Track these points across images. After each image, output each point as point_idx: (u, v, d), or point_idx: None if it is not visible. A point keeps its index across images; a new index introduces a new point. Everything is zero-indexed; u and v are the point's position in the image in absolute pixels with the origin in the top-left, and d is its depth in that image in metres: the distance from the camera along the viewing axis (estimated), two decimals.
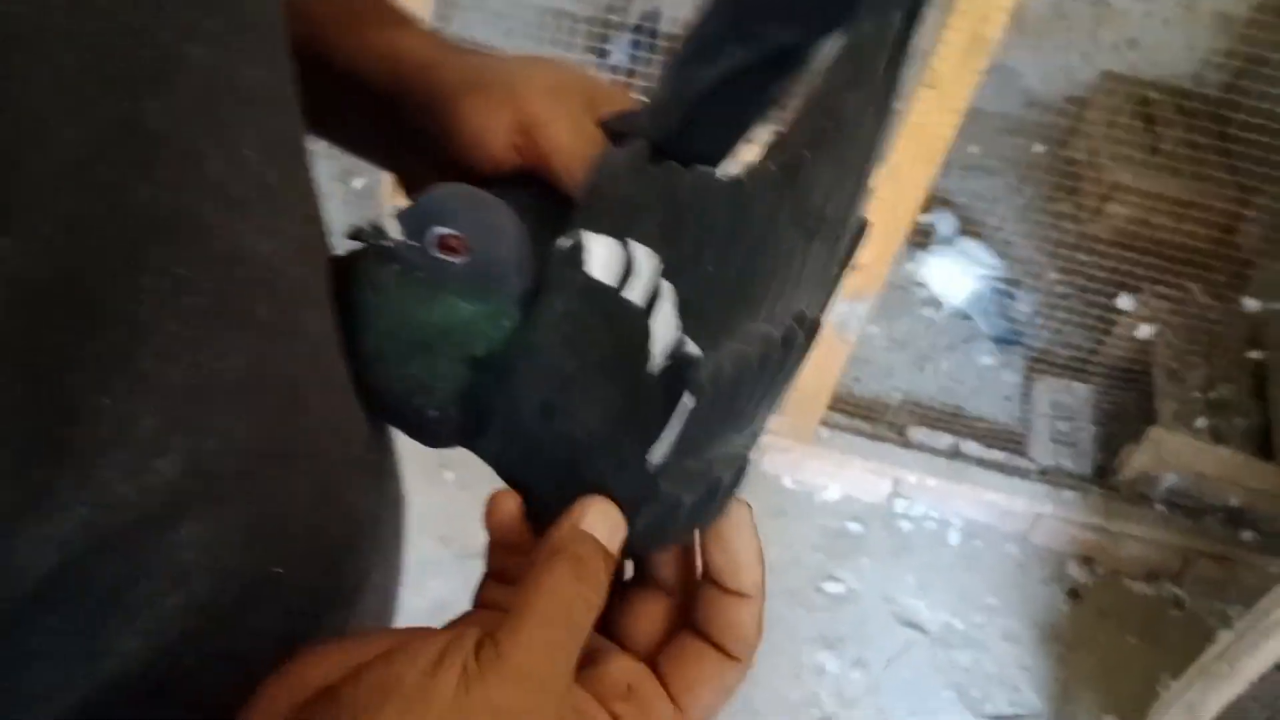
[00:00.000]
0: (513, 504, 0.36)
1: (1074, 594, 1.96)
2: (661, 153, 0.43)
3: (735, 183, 0.41)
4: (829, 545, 1.95)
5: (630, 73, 2.77)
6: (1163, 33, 2.86)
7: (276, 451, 0.35)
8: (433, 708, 0.28)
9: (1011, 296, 2.41)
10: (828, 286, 0.42)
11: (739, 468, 0.37)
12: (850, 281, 1.65)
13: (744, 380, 0.37)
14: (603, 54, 2.87)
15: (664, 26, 2.93)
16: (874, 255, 1.62)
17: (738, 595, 0.36)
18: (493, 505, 0.36)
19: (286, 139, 0.35)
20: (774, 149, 0.41)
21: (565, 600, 0.31)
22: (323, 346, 0.37)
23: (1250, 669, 1.25)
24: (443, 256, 0.36)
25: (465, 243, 0.36)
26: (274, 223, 0.33)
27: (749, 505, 0.38)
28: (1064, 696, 1.82)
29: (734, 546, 0.36)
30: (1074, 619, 1.92)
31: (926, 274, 2.35)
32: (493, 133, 0.44)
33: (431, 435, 0.40)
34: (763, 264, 0.39)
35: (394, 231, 0.37)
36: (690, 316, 0.37)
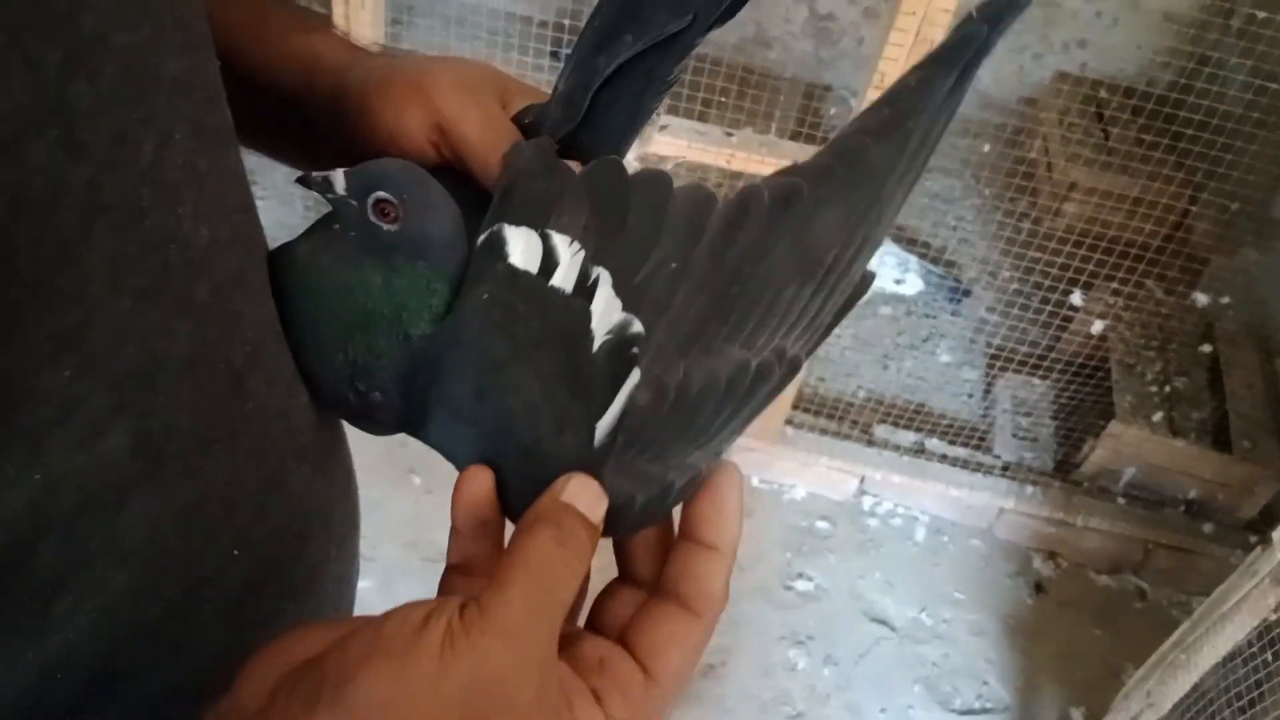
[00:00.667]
0: (485, 479, 0.36)
1: (1038, 587, 1.98)
2: (570, 142, 0.45)
3: (698, 188, 0.42)
4: (797, 543, 1.96)
5: None
6: (1112, 32, 2.92)
7: (220, 435, 0.35)
8: (419, 665, 0.28)
9: (957, 291, 2.44)
10: (818, 330, 0.42)
11: (691, 476, 0.38)
12: None
13: (708, 396, 0.38)
14: (561, 58, 2.87)
15: None
16: None
17: (711, 549, 0.36)
18: (463, 480, 0.36)
19: (215, 129, 0.36)
20: (779, 176, 0.42)
21: (549, 564, 0.32)
22: (264, 334, 0.38)
23: (1206, 658, 1.27)
24: (377, 221, 0.38)
25: (400, 211, 0.38)
26: (208, 209, 0.34)
27: (737, 467, 0.38)
28: (1030, 688, 1.84)
29: (721, 496, 0.37)
30: (1039, 612, 1.95)
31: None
32: (408, 131, 0.45)
33: (376, 421, 0.41)
34: (745, 285, 0.40)
35: (339, 187, 0.38)
36: (644, 305, 0.38)
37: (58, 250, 0.28)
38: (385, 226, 0.38)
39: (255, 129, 0.43)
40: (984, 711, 1.81)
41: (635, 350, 0.37)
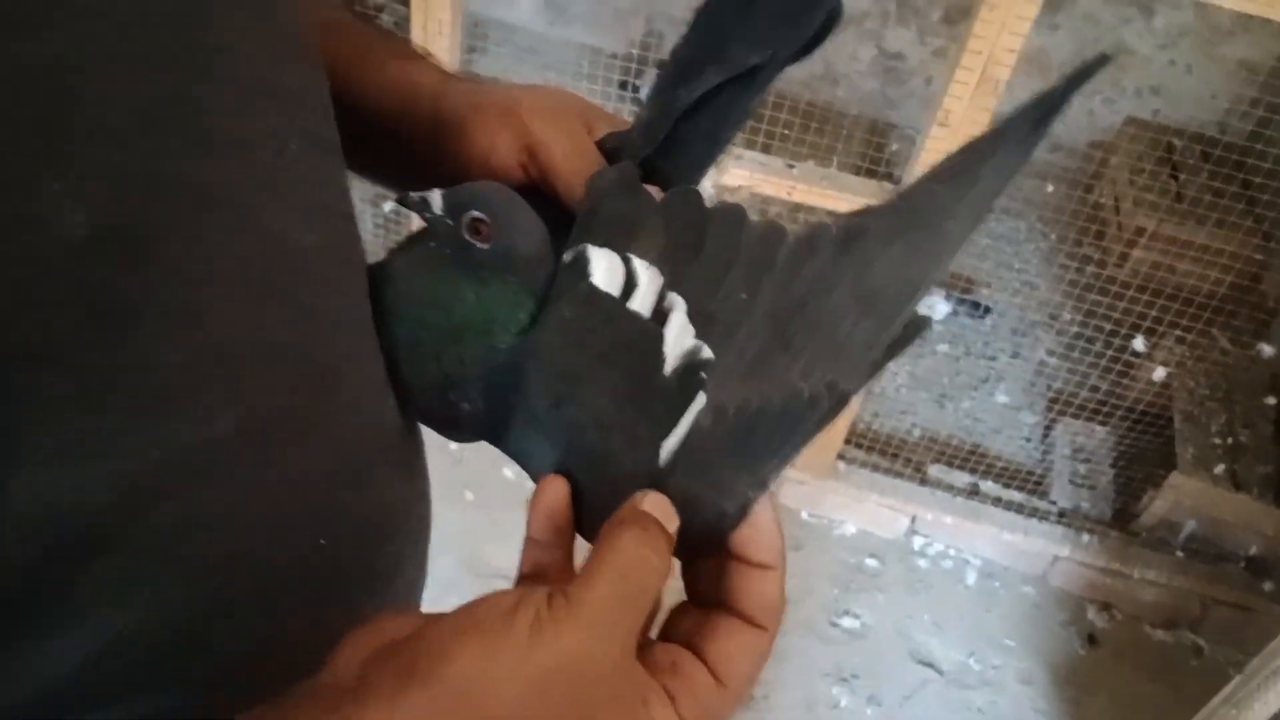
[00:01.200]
0: (562, 488, 0.38)
1: (1091, 639, 1.95)
2: (650, 168, 0.47)
3: (772, 223, 0.44)
4: (845, 579, 1.95)
5: None
6: (1186, 79, 2.89)
7: (315, 426, 0.38)
8: (509, 646, 0.30)
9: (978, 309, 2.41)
10: (869, 367, 0.43)
11: (742, 504, 0.39)
12: None
13: (762, 421, 0.39)
14: (634, 89, 2.91)
15: None
16: None
17: (762, 568, 0.38)
18: (541, 489, 0.38)
19: (325, 142, 0.40)
20: (848, 216, 0.44)
21: (634, 563, 0.33)
22: (359, 338, 0.41)
23: (1258, 714, 1.24)
24: (470, 238, 0.41)
25: (492, 230, 0.41)
26: (314, 217, 0.38)
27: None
28: None
29: (758, 520, 0.38)
30: (1091, 663, 1.91)
31: None
32: (499, 153, 0.48)
33: (460, 429, 0.44)
34: (806, 317, 0.41)
35: (436, 207, 0.41)
36: (714, 332, 0.40)
37: (184, 240, 0.31)
38: (478, 244, 0.41)
39: (355, 152, 0.46)
40: None
41: (703, 375, 0.39)
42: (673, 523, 0.36)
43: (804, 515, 2.04)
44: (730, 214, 0.43)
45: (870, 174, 2.43)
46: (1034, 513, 1.99)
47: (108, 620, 0.32)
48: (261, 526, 0.36)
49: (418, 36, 1.56)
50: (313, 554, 0.39)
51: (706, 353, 0.39)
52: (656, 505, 0.36)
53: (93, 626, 0.32)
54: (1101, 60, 0.44)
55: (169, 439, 0.32)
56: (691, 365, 0.39)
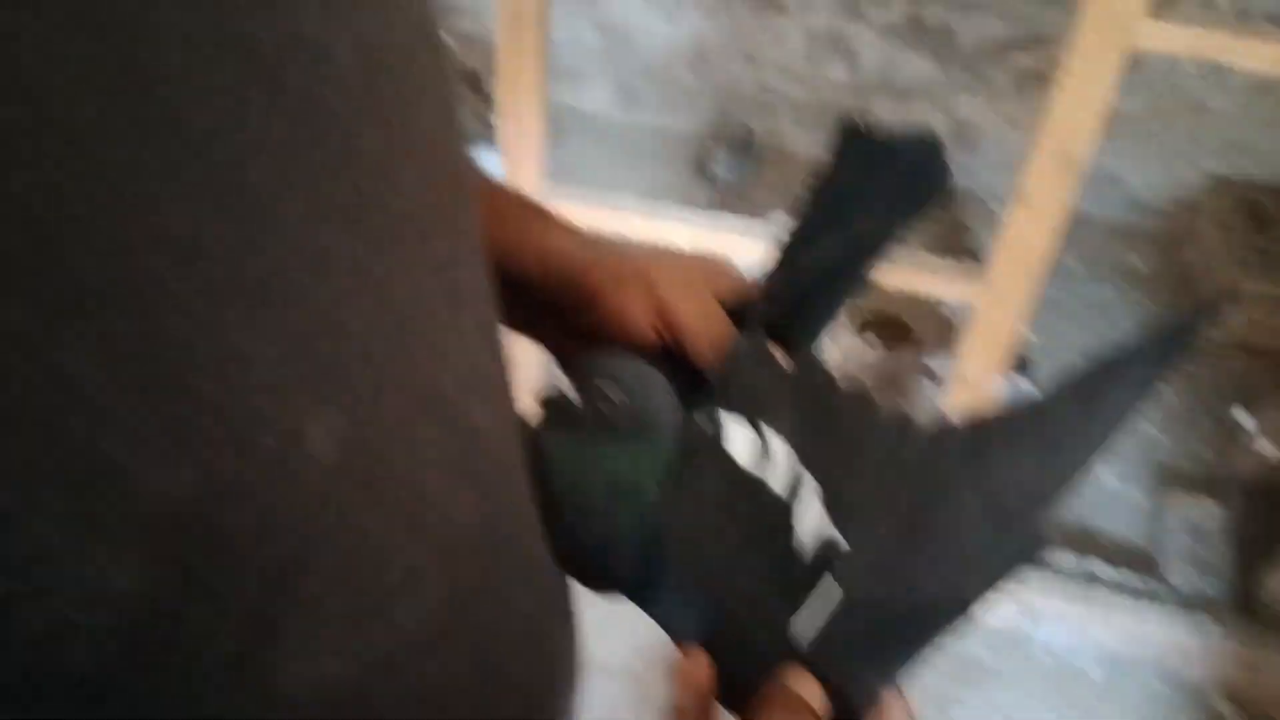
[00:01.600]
0: (707, 664, 0.40)
1: None
2: (772, 327, 0.50)
3: (903, 417, 0.46)
4: (956, 672, 1.88)
5: (729, 185, 2.82)
6: (1266, 133, 2.82)
7: (493, 587, 0.38)
8: None
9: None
10: (992, 579, 0.42)
11: (869, 695, 0.40)
12: (959, 397, 1.63)
13: (891, 619, 0.41)
14: (705, 168, 2.93)
15: (757, 141, 2.99)
16: (980, 371, 1.60)
17: None
18: (688, 663, 0.40)
19: (488, 327, 0.40)
20: (975, 416, 0.45)
21: None
22: (524, 501, 0.42)
23: None
24: (601, 406, 0.43)
25: (621, 395, 0.44)
26: (491, 400, 0.38)
27: (909, 702, 0.41)
28: None
29: (888, 715, 0.39)
30: None
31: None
32: (635, 318, 0.51)
33: (609, 586, 0.45)
34: (936, 521, 0.42)
35: (568, 390, 0.44)
36: (847, 522, 0.42)
37: (408, 446, 0.31)
38: (608, 410, 0.43)
39: (512, 314, 0.48)
40: None
41: (836, 564, 0.41)
42: (818, 698, 0.38)
43: None
44: (859, 397, 0.46)
45: (949, 246, 2.40)
46: (1152, 596, 1.91)
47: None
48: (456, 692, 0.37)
49: (509, 132, 1.57)
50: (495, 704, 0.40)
51: (842, 544, 0.41)
52: (802, 682, 0.38)
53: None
54: (1214, 305, 0.45)
55: (388, 626, 0.32)
56: (826, 552, 0.41)
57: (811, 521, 0.42)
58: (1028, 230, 1.44)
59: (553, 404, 0.45)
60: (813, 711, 0.37)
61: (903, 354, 2.28)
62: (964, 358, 1.59)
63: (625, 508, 0.42)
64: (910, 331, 2.35)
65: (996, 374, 1.59)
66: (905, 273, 1.53)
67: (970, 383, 1.60)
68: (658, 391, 0.45)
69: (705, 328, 0.50)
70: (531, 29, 1.43)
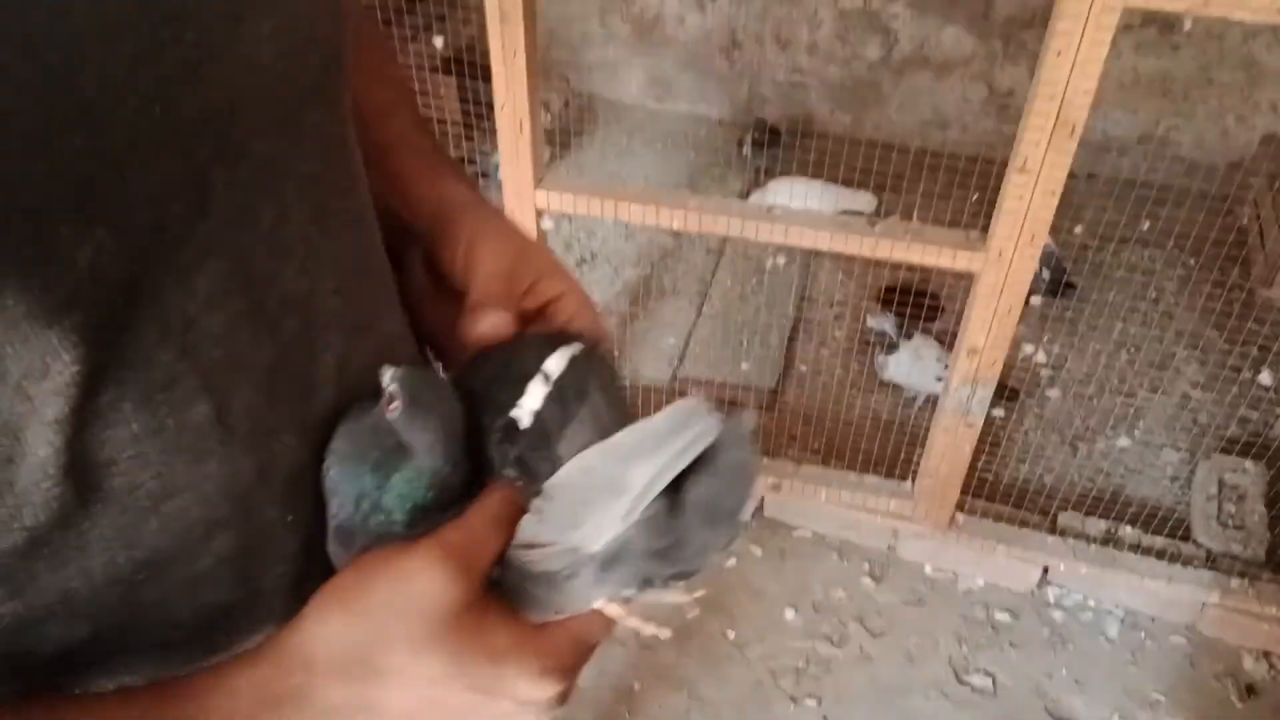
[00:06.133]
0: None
1: (1250, 690, 1.80)
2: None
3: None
4: (974, 636, 1.88)
5: (762, 169, 2.85)
6: None
7: (293, 427, 0.47)
8: (374, 564, 0.44)
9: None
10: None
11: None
12: (968, 366, 1.63)
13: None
14: (738, 154, 2.96)
15: (789, 125, 3.01)
16: (992, 338, 1.59)
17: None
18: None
19: (339, 213, 0.49)
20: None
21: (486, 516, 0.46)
22: (347, 366, 0.49)
23: None
24: (385, 408, 0.47)
25: (397, 408, 0.47)
26: (314, 268, 0.46)
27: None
28: None
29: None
30: (1250, 717, 1.77)
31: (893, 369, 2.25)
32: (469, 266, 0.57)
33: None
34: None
35: (385, 380, 0.48)
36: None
37: (177, 273, 0.39)
38: (386, 415, 0.47)
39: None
40: None
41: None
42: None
43: (928, 569, 1.98)
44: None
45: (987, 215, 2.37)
46: (1178, 558, 1.87)
47: (100, 555, 0.40)
48: (244, 500, 0.45)
49: (505, 130, 1.63)
50: (285, 531, 0.48)
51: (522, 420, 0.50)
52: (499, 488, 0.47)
53: (88, 558, 0.40)
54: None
55: (151, 420, 0.40)
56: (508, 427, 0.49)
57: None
58: (1029, 197, 1.44)
59: (352, 416, 0.50)
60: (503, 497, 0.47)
61: (930, 327, 2.27)
62: (969, 327, 1.59)
63: (370, 506, 0.47)
64: (940, 303, 2.35)
65: (1004, 341, 1.59)
66: (908, 245, 1.54)
67: (978, 351, 1.60)
68: (428, 417, 0.48)
69: (489, 291, 0.55)
70: (519, 24, 1.48)
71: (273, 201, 0.43)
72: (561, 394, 0.52)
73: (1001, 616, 1.91)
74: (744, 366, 2.33)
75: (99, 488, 0.39)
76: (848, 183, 2.69)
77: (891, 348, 2.21)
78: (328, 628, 0.43)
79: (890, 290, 2.40)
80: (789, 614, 1.91)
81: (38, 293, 0.34)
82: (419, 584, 0.43)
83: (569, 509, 0.47)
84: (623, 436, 0.49)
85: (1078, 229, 2.74)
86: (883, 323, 2.23)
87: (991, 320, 1.58)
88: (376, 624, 0.43)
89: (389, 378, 0.48)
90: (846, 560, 2.01)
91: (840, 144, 2.30)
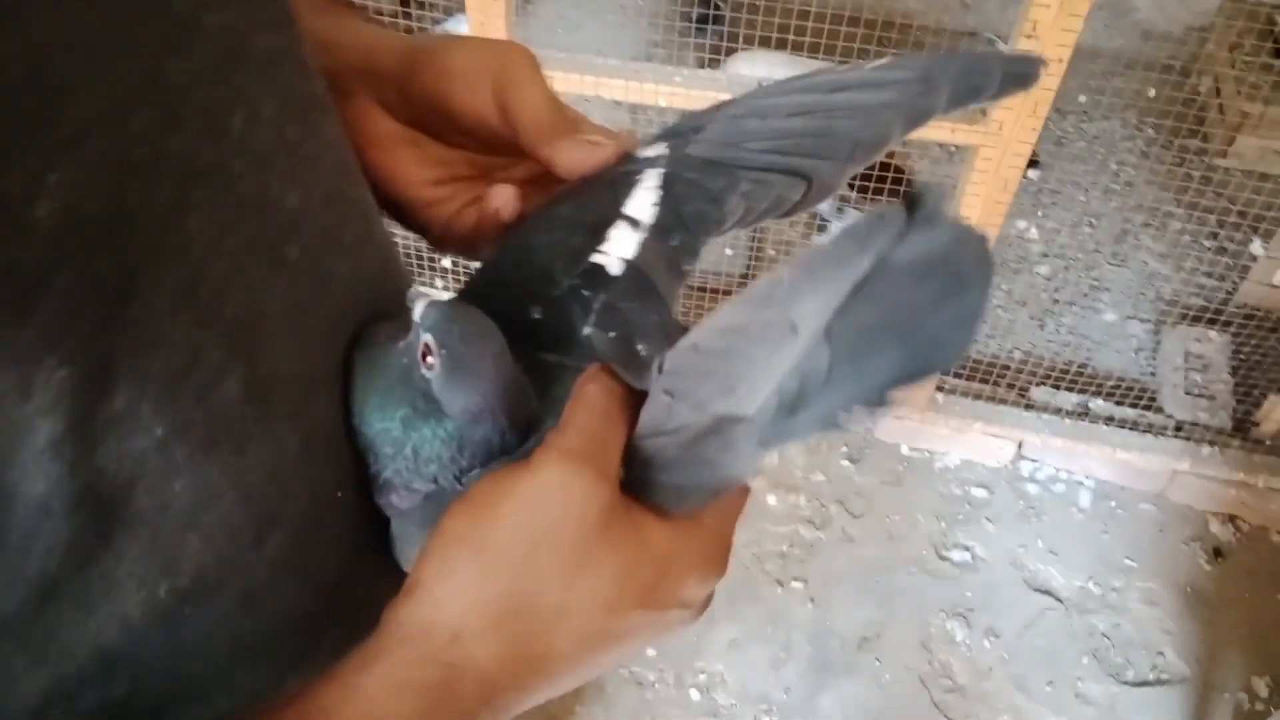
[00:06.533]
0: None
1: (1217, 553, 1.87)
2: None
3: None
4: (952, 512, 1.91)
5: (708, 45, 2.76)
6: None
7: (322, 378, 0.40)
8: (493, 491, 0.37)
9: None
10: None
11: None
12: None
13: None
14: (684, 27, 2.85)
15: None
16: (981, 213, 1.56)
17: None
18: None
19: (307, 99, 0.40)
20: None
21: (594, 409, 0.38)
22: (357, 289, 0.43)
23: None
24: (419, 359, 0.40)
25: (436, 362, 0.39)
26: (299, 175, 0.38)
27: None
28: (1211, 659, 1.75)
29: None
30: (1218, 579, 1.84)
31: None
32: (471, 88, 0.49)
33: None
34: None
35: (416, 314, 0.40)
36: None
37: (164, 213, 0.31)
38: (422, 370, 0.40)
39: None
40: (1160, 683, 1.73)
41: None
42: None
43: (904, 449, 2.00)
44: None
45: None
46: (1149, 428, 1.91)
47: (135, 593, 0.33)
48: (288, 483, 0.38)
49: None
50: (338, 502, 0.41)
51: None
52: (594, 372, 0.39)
53: (120, 600, 0.33)
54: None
55: (175, 415, 0.32)
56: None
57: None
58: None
59: (374, 344, 0.43)
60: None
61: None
62: (965, 202, 1.56)
63: (393, 456, 0.41)
64: (905, 176, 2.30)
65: (998, 216, 1.56)
66: None
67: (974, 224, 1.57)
68: (472, 373, 0.40)
69: (541, 115, 0.48)
70: None
71: (238, 94, 0.35)
72: (662, 233, 0.45)
73: (978, 492, 1.94)
74: (727, 252, 2.28)
75: (121, 514, 0.31)
76: (813, 52, 2.60)
77: (823, 226, 2.17)
78: (460, 585, 0.36)
79: None
80: (770, 499, 1.91)
81: None
82: (555, 502, 0.36)
83: (712, 377, 0.37)
84: (775, 275, 0.38)
85: None
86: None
87: (987, 194, 1.55)
88: (519, 562, 0.36)
89: (421, 313, 0.40)
90: (824, 443, 2.01)
91: (798, 16, 2.21)
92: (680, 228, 0.47)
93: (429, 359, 0.39)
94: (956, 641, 1.75)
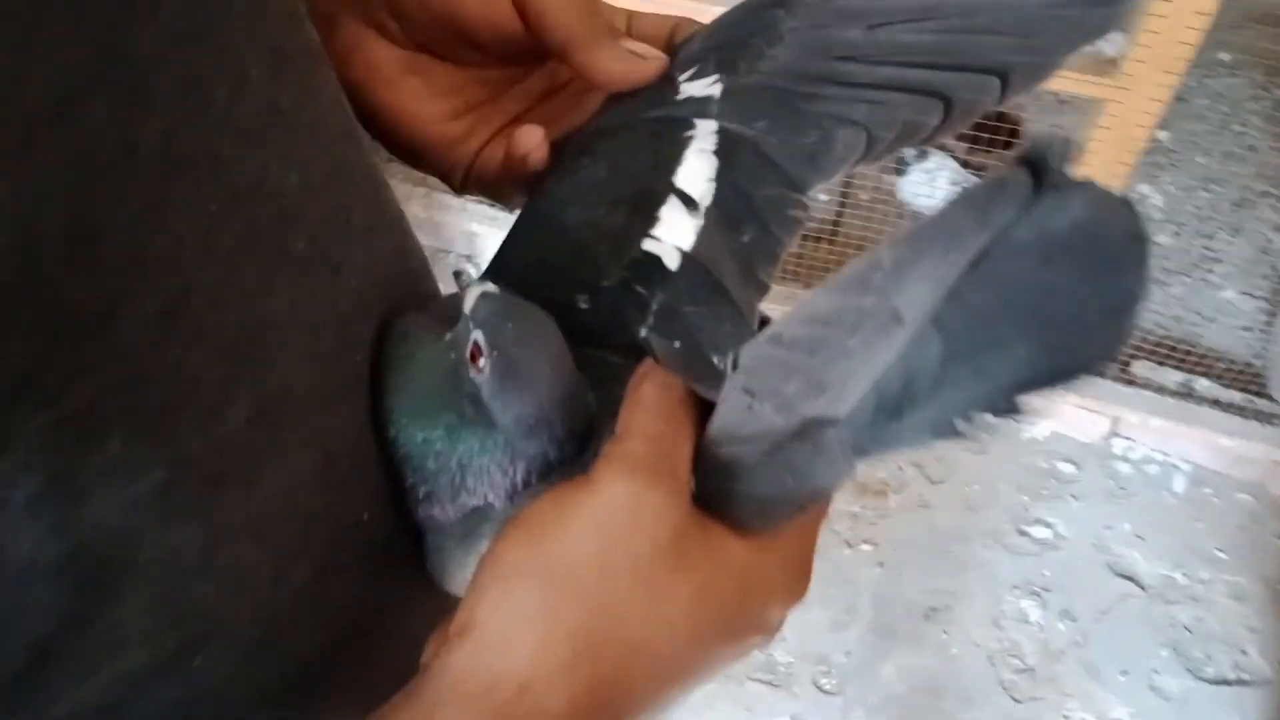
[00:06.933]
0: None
1: None
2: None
3: None
4: (1035, 486, 1.82)
5: None
6: None
7: (336, 390, 0.34)
8: (544, 520, 0.32)
9: None
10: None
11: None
12: None
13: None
14: None
15: None
16: (1102, 176, 1.45)
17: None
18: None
19: (297, 52, 0.34)
20: None
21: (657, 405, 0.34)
22: (369, 278, 0.37)
23: None
24: (466, 359, 0.35)
25: (487, 364, 0.35)
26: (296, 148, 0.32)
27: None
28: None
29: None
30: None
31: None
32: None
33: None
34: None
35: (467, 305, 0.35)
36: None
37: (141, 217, 0.26)
38: (471, 373, 0.35)
39: None
40: (1239, 683, 1.65)
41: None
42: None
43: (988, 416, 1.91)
44: None
45: None
46: (1255, 414, 1.79)
47: (140, 649, 0.29)
48: (307, 513, 0.33)
49: None
50: (363, 525, 0.36)
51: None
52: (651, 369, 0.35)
53: (125, 657, 0.29)
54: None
55: (174, 453, 0.28)
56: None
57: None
58: (1171, 20, 1.26)
59: (412, 339, 0.38)
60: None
61: (1006, 155, 2.10)
62: (1090, 161, 1.44)
63: (433, 473, 0.36)
64: (1012, 125, 2.17)
65: (1120, 180, 1.45)
66: None
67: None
68: (527, 378, 0.36)
69: (571, 15, 0.41)
70: None
71: (218, 59, 0.29)
72: (728, 224, 0.38)
73: (1065, 467, 1.85)
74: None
75: (122, 570, 0.27)
76: None
77: (901, 170, 2.04)
78: (525, 626, 0.31)
79: None
80: None
81: None
82: (624, 524, 0.31)
83: (798, 373, 0.32)
84: (873, 256, 0.31)
85: None
86: None
87: (1115, 153, 1.43)
88: (589, 596, 0.31)
89: (473, 305, 0.35)
90: None
91: None
92: (751, 218, 0.39)
93: (479, 361, 0.34)
94: (1029, 621, 1.68)
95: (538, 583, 0.31)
